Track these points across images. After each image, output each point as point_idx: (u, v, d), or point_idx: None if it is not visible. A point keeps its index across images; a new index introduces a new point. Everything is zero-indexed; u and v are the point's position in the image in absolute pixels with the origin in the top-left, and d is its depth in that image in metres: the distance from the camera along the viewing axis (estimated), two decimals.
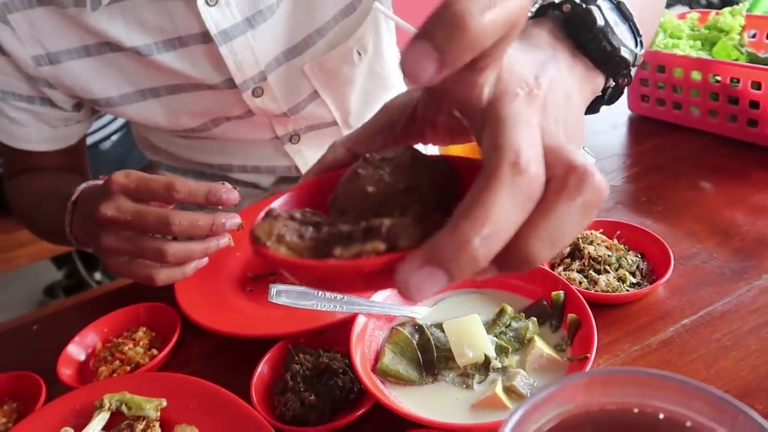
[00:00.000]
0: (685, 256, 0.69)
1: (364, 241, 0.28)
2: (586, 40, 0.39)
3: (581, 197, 0.27)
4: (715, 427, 0.29)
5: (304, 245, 0.29)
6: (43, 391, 0.64)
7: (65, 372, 0.66)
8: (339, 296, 0.59)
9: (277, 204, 0.34)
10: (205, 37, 0.75)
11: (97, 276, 2.21)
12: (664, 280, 0.63)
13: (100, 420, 0.57)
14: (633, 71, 0.42)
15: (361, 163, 0.32)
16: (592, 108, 0.44)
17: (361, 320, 0.57)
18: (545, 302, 0.59)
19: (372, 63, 0.91)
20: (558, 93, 0.34)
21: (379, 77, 0.93)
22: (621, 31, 0.40)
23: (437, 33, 0.24)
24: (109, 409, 0.57)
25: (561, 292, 0.58)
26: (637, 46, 0.41)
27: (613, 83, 0.42)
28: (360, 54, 0.86)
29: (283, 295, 0.57)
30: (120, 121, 1.76)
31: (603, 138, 1.00)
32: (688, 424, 0.29)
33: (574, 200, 0.27)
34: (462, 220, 0.25)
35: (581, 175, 0.27)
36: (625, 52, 0.40)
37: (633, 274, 0.66)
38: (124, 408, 0.58)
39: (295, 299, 0.57)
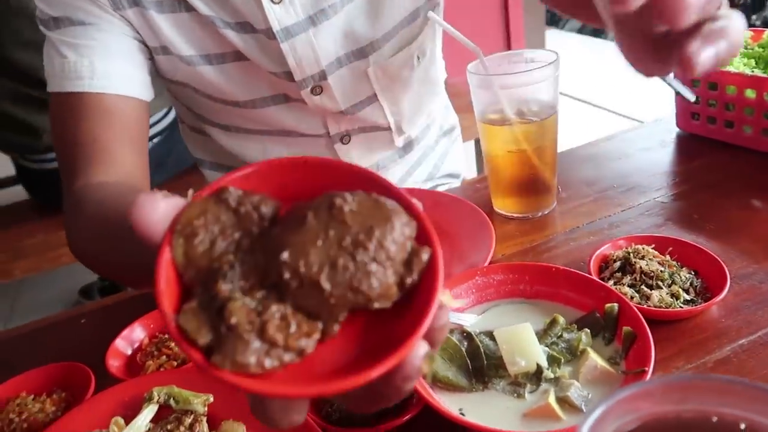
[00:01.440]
0: (741, 276, 0.67)
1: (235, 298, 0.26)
2: None
3: None
4: None
5: (195, 259, 0.27)
6: (93, 382, 0.65)
7: (114, 364, 0.67)
8: None
9: (239, 175, 0.29)
10: (269, 33, 0.77)
11: None
12: (720, 297, 0.61)
13: (149, 412, 0.57)
14: None
15: (335, 203, 0.27)
16: None
17: None
18: (597, 314, 0.58)
19: (427, 67, 0.92)
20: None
21: (430, 82, 0.94)
22: None
23: None
24: (157, 402, 0.58)
25: (615, 305, 0.57)
26: None
27: None
28: (419, 58, 0.87)
29: None
30: (163, 124, 1.80)
31: (651, 155, 0.99)
32: None
33: None
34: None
35: None
36: None
37: (686, 291, 0.64)
38: (172, 401, 0.58)
39: None
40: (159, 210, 0.28)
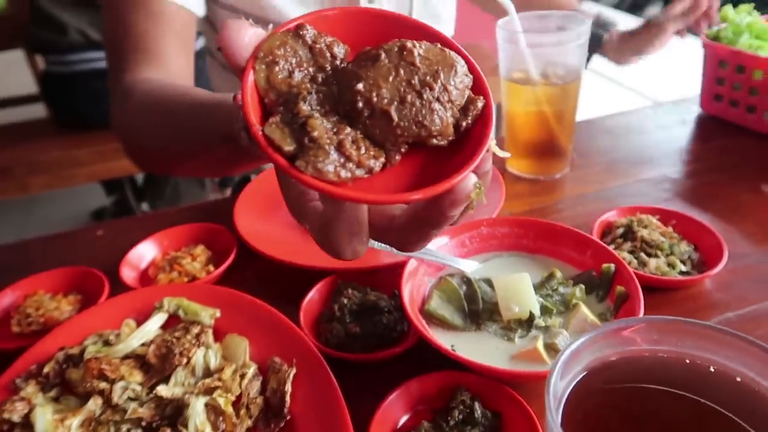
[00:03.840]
0: (739, 255, 0.69)
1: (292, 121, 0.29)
2: None
3: None
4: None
5: (276, 84, 0.30)
6: (106, 288, 0.68)
7: (127, 274, 0.70)
8: None
9: (312, 18, 0.32)
10: None
11: (144, 206, 2.29)
12: (715, 271, 0.63)
13: (158, 319, 0.60)
14: None
15: (404, 47, 0.30)
16: None
17: (412, 262, 0.60)
18: (594, 273, 0.60)
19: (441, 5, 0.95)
20: None
21: (437, 18, 0.98)
22: None
23: None
24: (167, 311, 0.61)
25: (612, 265, 0.59)
26: None
27: None
28: None
29: None
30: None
31: (669, 132, 0.99)
32: (738, 379, 0.31)
33: None
34: None
35: None
36: None
37: (684, 263, 0.66)
38: (180, 312, 0.61)
39: None
40: (246, 36, 0.30)
